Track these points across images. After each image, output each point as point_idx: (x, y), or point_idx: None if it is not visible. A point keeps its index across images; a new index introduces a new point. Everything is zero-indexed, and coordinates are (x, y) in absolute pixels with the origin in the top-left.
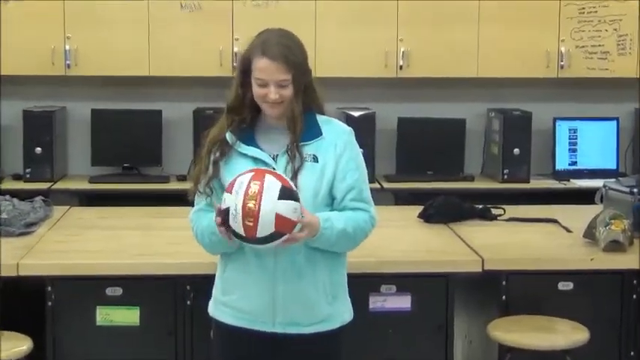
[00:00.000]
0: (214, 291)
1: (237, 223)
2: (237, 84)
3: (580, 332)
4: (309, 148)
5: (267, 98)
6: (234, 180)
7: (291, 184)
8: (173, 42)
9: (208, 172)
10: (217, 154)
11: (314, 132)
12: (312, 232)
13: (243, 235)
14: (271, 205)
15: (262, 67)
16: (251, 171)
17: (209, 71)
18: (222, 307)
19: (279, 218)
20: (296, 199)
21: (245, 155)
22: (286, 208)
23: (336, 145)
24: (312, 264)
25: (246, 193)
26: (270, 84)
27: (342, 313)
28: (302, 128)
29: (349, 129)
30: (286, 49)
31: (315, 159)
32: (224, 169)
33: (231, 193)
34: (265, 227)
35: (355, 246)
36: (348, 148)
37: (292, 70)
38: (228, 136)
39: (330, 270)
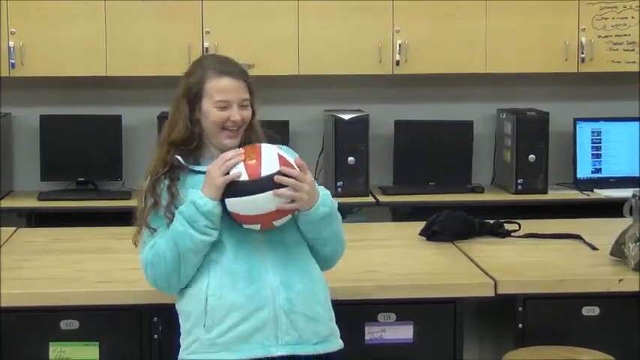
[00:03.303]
0: (189, 336)
1: (238, 169)
2: (185, 117)
3: None
4: None
5: (228, 122)
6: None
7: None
8: (134, 37)
9: (162, 201)
10: (167, 181)
11: None
12: (312, 195)
13: (247, 179)
14: (272, 148)
15: (224, 87)
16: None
17: (175, 70)
18: (211, 347)
19: (281, 157)
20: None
21: (203, 173)
22: (287, 153)
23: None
24: (309, 273)
25: (244, 145)
26: (233, 104)
27: (337, 333)
28: None
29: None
30: (241, 68)
31: None
32: (182, 190)
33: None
34: (269, 164)
35: (340, 244)
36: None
37: (249, 90)
38: (181, 158)
39: (324, 280)
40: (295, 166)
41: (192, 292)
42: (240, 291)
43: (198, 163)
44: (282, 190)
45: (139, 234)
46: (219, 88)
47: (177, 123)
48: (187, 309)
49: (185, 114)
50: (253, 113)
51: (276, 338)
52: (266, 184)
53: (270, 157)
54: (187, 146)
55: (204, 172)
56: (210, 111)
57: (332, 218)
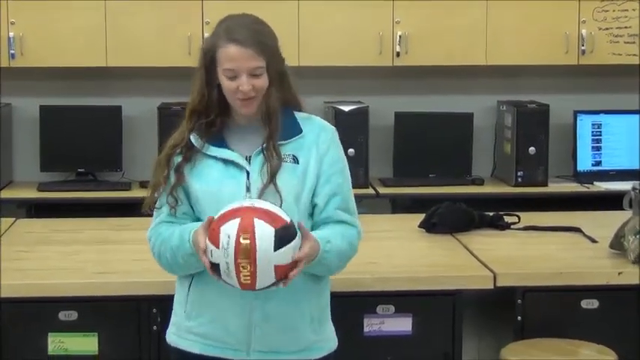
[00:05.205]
0: (175, 316)
1: (232, 280)
2: (201, 83)
3: (607, 357)
4: (287, 148)
5: (239, 92)
6: (217, 229)
7: (286, 218)
8: (134, 27)
9: (170, 180)
10: (179, 159)
11: (292, 130)
12: (309, 260)
13: (239, 288)
14: (268, 259)
15: (231, 55)
16: (235, 215)
17: (176, 61)
18: (186, 334)
19: (278, 269)
20: (294, 236)
21: (214, 158)
22: (284, 256)
23: (318, 144)
24: (295, 283)
25: (237, 252)
26: (242, 74)
27: (327, 340)
28: (279, 123)
29: (333, 127)
30: (256, 32)
31: (295, 160)
32: (190, 175)
33: (218, 247)
34: (264, 280)
35: (342, 269)
36: (332, 149)
37: (265, 56)
38: (193, 138)
39: (317, 291)
40: (293, 259)
41: (181, 277)
42: (221, 292)
43: (222, 137)
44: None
45: (149, 197)
46: (227, 56)
47: (194, 90)
48: (178, 289)
49: (201, 81)
50: (272, 81)
51: (247, 345)
52: (260, 289)
53: (266, 271)
54: (207, 116)
55: (215, 158)
56: (221, 79)
57: (330, 268)
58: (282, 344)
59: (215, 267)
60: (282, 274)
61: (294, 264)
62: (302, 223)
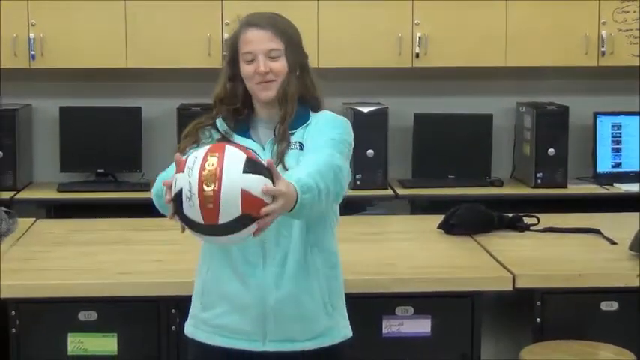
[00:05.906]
0: (192, 308)
1: (193, 208)
2: (225, 76)
3: (626, 358)
4: (295, 137)
5: (256, 75)
6: (187, 157)
7: (259, 158)
8: (154, 28)
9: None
10: (217, 135)
11: (301, 120)
12: (289, 202)
13: (202, 222)
14: (235, 180)
15: (249, 38)
16: (208, 144)
17: (195, 62)
18: (202, 326)
19: (246, 196)
20: (264, 174)
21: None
22: (254, 183)
23: (317, 124)
24: (306, 268)
25: (202, 168)
26: (259, 55)
27: (342, 326)
28: (294, 109)
29: (343, 118)
30: (274, 19)
31: (301, 147)
32: None
33: (183, 172)
34: (230, 209)
35: (336, 187)
36: (330, 126)
37: (283, 40)
38: (219, 123)
39: (328, 275)
40: (264, 198)
41: (199, 268)
42: (234, 283)
43: (247, 128)
44: (247, 233)
45: None
46: (245, 40)
47: (218, 82)
48: (195, 281)
49: (225, 72)
50: (290, 68)
51: (263, 335)
52: (226, 229)
53: (231, 195)
54: (233, 104)
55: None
56: (242, 67)
57: (320, 197)
58: (297, 332)
59: (177, 199)
60: (250, 207)
61: (264, 203)
62: (273, 165)
